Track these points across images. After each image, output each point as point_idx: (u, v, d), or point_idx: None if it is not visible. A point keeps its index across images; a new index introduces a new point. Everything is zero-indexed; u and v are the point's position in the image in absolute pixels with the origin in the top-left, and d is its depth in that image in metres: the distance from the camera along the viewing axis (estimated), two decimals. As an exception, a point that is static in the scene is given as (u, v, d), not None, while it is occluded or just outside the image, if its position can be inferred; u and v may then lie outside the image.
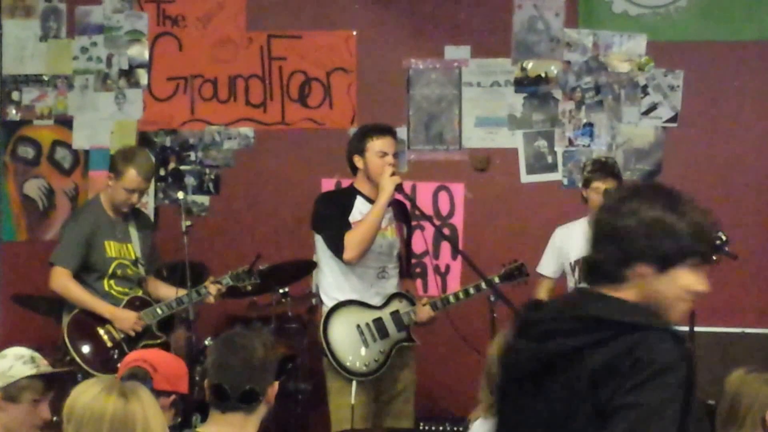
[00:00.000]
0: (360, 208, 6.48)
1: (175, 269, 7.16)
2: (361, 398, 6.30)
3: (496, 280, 6.51)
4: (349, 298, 6.43)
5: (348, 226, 6.39)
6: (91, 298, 6.63)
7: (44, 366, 4.57)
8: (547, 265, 6.97)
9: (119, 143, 8.36)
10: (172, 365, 4.77)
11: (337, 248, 6.38)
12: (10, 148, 8.82)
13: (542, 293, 6.97)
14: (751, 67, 8.22)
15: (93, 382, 3.55)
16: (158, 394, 4.46)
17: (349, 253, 6.34)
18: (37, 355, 4.58)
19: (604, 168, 6.73)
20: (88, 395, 3.42)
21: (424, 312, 6.54)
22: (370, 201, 6.48)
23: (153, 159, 7.00)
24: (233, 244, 8.36)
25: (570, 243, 6.83)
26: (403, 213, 6.73)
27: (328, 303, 6.47)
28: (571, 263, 6.80)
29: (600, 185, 6.65)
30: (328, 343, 6.34)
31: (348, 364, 6.32)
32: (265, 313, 7.70)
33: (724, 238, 6.33)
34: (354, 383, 6.25)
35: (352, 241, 6.33)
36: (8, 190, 8.82)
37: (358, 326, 6.38)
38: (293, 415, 7.57)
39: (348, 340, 6.35)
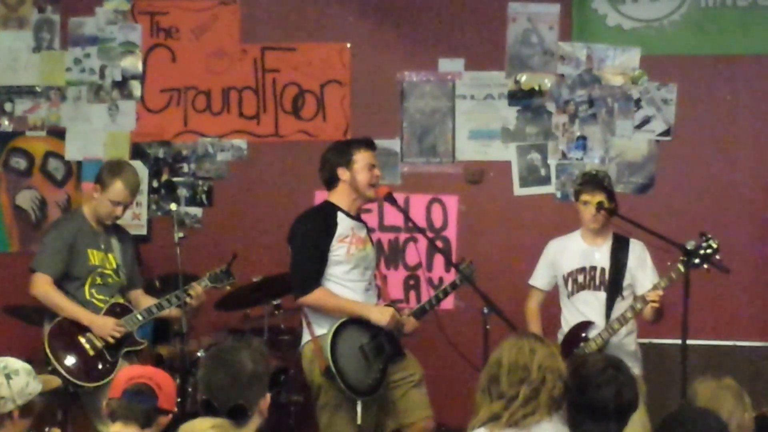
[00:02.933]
0: (343, 224, 6.43)
1: (168, 281, 7.16)
2: (367, 415, 6.29)
3: (458, 282, 6.58)
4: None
5: (324, 260, 6.36)
6: (70, 305, 6.60)
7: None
8: (540, 278, 6.96)
9: (112, 155, 8.37)
10: (171, 385, 4.77)
11: (302, 285, 6.39)
12: (3, 159, 8.82)
13: (533, 305, 6.96)
14: (744, 81, 8.25)
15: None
16: (161, 412, 4.46)
17: (305, 300, 6.38)
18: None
19: (594, 181, 6.72)
20: None
21: (411, 323, 6.52)
22: (350, 216, 6.45)
23: (139, 175, 6.96)
24: (226, 256, 8.32)
25: (563, 256, 6.83)
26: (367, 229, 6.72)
27: (318, 320, 6.41)
28: (564, 275, 6.80)
29: (589, 198, 6.65)
30: (336, 366, 6.27)
31: (358, 385, 6.29)
32: (258, 325, 7.69)
33: (715, 245, 6.31)
34: (360, 404, 6.24)
35: (317, 299, 6.35)
36: (0, 201, 8.81)
37: (361, 347, 6.35)
38: (286, 426, 7.56)
39: (355, 362, 6.30)
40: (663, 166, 8.26)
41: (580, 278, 6.74)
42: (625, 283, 6.69)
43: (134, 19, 8.77)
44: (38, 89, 8.81)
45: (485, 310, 6.16)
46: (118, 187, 6.66)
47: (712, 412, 4.36)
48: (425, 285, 8.11)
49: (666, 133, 8.26)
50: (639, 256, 6.72)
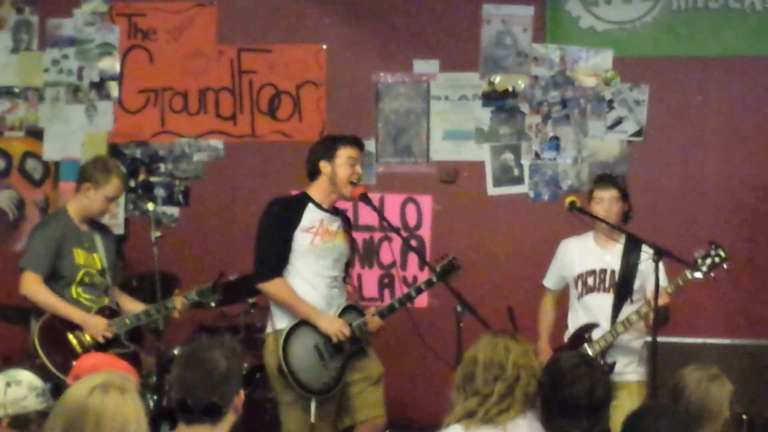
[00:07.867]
0: (310, 215, 6.45)
1: (145, 280, 7.19)
2: (321, 414, 6.33)
3: (434, 279, 6.52)
4: None
5: (286, 247, 6.39)
6: (63, 304, 6.64)
7: (50, 400, 4.62)
8: (550, 278, 6.89)
9: (90, 155, 8.34)
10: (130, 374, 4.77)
11: (261, 271, 6.42)
12: (-19, 160, 8.85)
13: (547, 305, 6.94)
14: (715, 83, 8.32)
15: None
16: None
17: (262, 287, 6.44)
18: (45, 388, 4.62)
19: (604, 177, 6.79)
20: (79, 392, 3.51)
21: (375, 322, 6.50)
22: (321, 208, 6.50)
23: None
24: (203, 255, 8.40)
25: (574, 257, 6.78)
26: (347, 223, 6.74)
27: (279, 314, 6.46)
28: (574, 277, 6.73)
29: (601, 194, 6.62)
30: (288, 365, 6.33)
31: (311, 384, 6.32)
32: (234, 323, 7.74)
33: (723, 254, 6.33)
34: (314, 402, 6.29)
35: (274, 289, 6.39)
36: (-22, 201, 8.84)
37: (316, 346, 6.37)
38: (262, 423, 7.59)
39: (308, 361, 6.32)
40: (635, 167, 8.33)
41: (590, 281, 6.67)
42: (636, 285, 6.60)
43: (112, 20, 8.81)
44: (16, 90, 8.84)
45: (458, 308, 6.20)
46: (114, 183, 6.72)
47: (676, 409, 4.43)
48: (399, 283, 8.17)
49: (638, 133, 8.34)
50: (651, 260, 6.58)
